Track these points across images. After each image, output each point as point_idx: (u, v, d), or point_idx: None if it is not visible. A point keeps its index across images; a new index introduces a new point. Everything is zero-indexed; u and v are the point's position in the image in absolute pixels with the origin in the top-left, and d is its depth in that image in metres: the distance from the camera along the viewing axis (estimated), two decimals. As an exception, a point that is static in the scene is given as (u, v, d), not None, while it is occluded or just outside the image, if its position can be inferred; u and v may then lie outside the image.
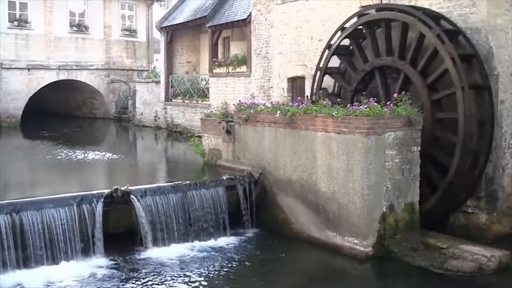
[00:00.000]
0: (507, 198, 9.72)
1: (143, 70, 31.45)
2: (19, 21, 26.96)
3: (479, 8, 9.43)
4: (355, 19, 10.75)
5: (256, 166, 10.36)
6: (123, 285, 7.38)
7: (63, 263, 7.83)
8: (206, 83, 22.19)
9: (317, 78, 11.63)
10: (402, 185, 8.69)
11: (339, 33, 11.06)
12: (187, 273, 7.82)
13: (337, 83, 11.67)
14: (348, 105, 9.27)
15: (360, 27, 10.64)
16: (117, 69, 30.73)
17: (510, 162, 9.73)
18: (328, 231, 8.93)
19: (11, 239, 7.45)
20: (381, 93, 10.07)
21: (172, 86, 24.82)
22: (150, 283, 7.46)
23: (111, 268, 7.90)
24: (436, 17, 9.64)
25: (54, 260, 7.80)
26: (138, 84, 28.39)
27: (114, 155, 15.62)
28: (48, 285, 7.27)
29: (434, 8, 10.03)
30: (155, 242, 8.65)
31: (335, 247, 8.76)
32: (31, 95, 27.38)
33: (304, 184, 9.38)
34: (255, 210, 9.96)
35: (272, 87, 15.24)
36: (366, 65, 10.47)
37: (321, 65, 11.47)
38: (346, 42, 11.16)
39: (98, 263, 8.00)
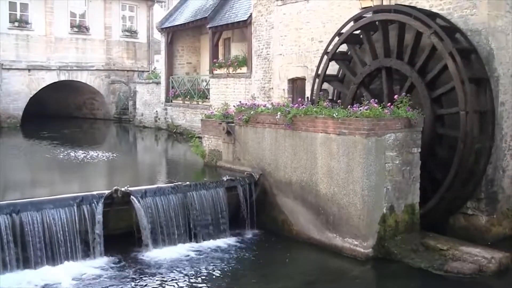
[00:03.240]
0: (507, 199, 9.71)
1: (143, 71, 31.45)
2: (20, 22, 27.00)
3: (479, 9, 9.44)
4: (351, 24, 10.75)
5: (256, 167, 10.36)
6: (123, 285, 7.37)
7: (63, 263, 7.82)
8: (207, 84, 22.22)
9: (316, 83, 11.62)
10: (402, 187, 8.69)
11: (336, 38, 11.08)
12: (187, 274, 7.82)
13: (335, 90, 11.68)
14: (349, 106, 9.27)
15: (357, 31, 10.65)
16: (117, 70, 30.76)
17: (510, 164, 9.73)
18: (328, 233, 8.93)
19: (11, 239, 7.45)
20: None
21: (172, 87, 24.83)
22: (150, 283, 7.45)
23: (111, 269, 7.90)
24: (432, 15, 9.64)
25: (54, 261, 7.78)
26: (139, 85, 28.39)
27: (114, 156, 15.63)
28: (48, 286, 7.26)
29: (434, 10, 10.02)
30: (155, 243, 8.64)
31: (335, 249, 8.76)
32: (31, 95, 27.41)
33: (304, 185, 9.38)
34: (255, 211, 9.94)
35: (272, 88, 15.25)
36: (364, 68, 10.45)
37: (319, 72, 11.47)
38: (344, 47, 11.17)
39: (98, 264, 7.99)
